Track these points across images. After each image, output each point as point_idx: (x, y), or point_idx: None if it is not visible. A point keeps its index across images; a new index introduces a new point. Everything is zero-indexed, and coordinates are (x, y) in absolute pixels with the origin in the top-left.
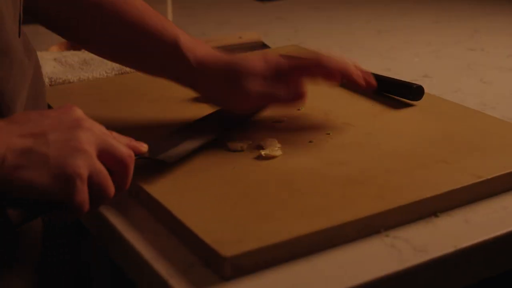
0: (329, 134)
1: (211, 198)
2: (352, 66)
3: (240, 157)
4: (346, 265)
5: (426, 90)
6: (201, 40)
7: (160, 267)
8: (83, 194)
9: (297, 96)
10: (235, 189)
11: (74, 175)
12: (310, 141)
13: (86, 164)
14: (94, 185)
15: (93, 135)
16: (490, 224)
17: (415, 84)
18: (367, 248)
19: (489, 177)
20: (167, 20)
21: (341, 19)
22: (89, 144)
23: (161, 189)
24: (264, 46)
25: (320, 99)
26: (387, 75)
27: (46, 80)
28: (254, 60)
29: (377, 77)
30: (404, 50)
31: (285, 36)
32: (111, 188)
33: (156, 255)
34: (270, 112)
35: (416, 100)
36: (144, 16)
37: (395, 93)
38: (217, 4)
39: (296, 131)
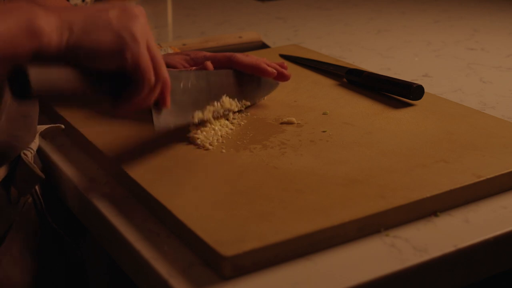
0: (325, 132)
1: (211, 198)
2: (263, 62)
3: (240, 157)
4: (346, 264)
5: (426, 90)
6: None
7: (160, 267)
8: (147, 58)
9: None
10: (235, 189)
11: (136, 33)
12: (310, 141)
13: (144, 31)
14: (154, 55)
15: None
16: (490, 224)
17: (415, 83)
18: (367, 248)
19: (489, 177)
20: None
21: (341, 19)
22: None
23: (161, 189)
24: (264, 45)
25: (320, 99)
26: (387, 75)
27: None
28: (174, 54)
29: (377, 76)
30: (404, 49)
31: (285, 36)
32: (165, 68)
33: (156, 255)
34: (275, 113)
35: (416, 100)
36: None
37: (395, 92)
38: (217, 4)
39: (296, 131)
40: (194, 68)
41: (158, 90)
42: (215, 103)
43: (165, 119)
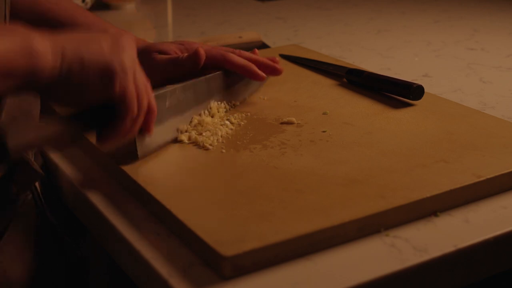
0: (325, 132)
1: (211, 198)
2: (254, 64)
3: (240, 157)
4: (346, 264)
5: (426, 90)
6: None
7: (160, 267)
8: (133, 89)
9: (196, 58)
10: (235, 189)
11: (125, 65)
12: (310, 141)
13: (132, 62)
14: (139, 86)
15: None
16: (490, 223)
17: (415, 83)
18: (367, 248)
19: (489, 177)
20: (97, 17)
21: (341, 19)
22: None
23: (161, 189)
24: (264, 45)
25: (320, 99)
26: (387, 75)
27: None
28: (169, 42)
29: (377, 76)
30: (404, 49)
31: (285, 36)
32: (152, 97)
33: (156, 255)
34: (275, 113)
35: (416, 100)
36: (74, 14)
37: (395, 92)
38: (217, 4)
39: (296, 131)
40: (186, 55)
41: (141, 120)
42: (202, 112)
43: (149, 144)
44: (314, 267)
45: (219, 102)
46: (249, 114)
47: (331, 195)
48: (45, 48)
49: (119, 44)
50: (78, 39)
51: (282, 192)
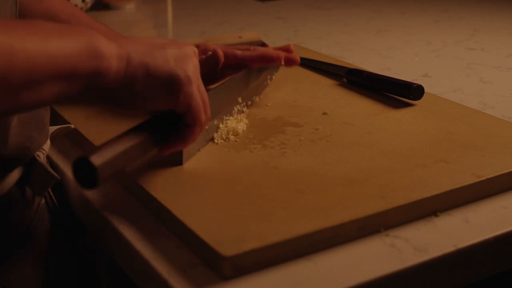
0: (318, 129)
1: (211, 198)
2: (267, 50)
3: (240, 157)
4: (346, 264)
5: (426, 90)
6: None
7: (160, 267)
8: (198, 98)
9: (215, 60)
10: (235, 189)
11: (191, 74)
12: (310, 141)
13: (197, 72)
14: (203, 95)
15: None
16: (490, 223)
17: (415, 83)
18: (367, 248)
19: (489, 176)
20: (98, 23)
21: (341, 19)
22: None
23: (161, 189)
24: (264, 46)
25: (320, 99)
26: (387, 75)
27: None
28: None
29: (377, 76)
30: (404, 49)
31: (285, 36)
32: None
33: (156, 255)
34: (275, 113)
35: (416, 100)
36: (75, 17)
37: (395, 92)
38: (217, 4)
39: (296, 131)
40: (203, 57)
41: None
42: (224, 116)
43: (191, 149)
44: (314, 267)
45: (239, 108)
46: (249, 114)
47: (331, 195)
48: (110, 51)
49: (183, 52)
50: (142, 46)
51: (282, 192)
